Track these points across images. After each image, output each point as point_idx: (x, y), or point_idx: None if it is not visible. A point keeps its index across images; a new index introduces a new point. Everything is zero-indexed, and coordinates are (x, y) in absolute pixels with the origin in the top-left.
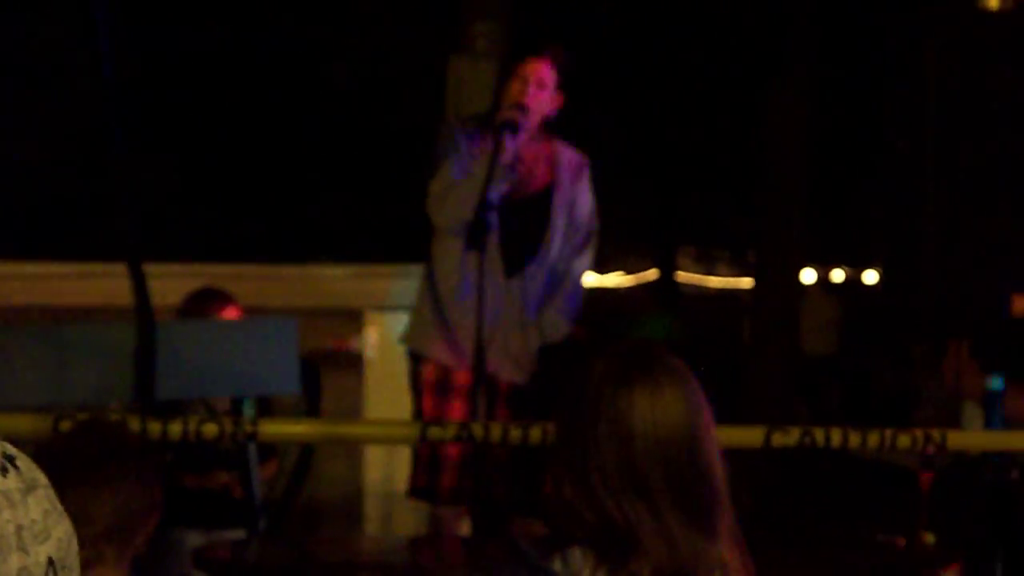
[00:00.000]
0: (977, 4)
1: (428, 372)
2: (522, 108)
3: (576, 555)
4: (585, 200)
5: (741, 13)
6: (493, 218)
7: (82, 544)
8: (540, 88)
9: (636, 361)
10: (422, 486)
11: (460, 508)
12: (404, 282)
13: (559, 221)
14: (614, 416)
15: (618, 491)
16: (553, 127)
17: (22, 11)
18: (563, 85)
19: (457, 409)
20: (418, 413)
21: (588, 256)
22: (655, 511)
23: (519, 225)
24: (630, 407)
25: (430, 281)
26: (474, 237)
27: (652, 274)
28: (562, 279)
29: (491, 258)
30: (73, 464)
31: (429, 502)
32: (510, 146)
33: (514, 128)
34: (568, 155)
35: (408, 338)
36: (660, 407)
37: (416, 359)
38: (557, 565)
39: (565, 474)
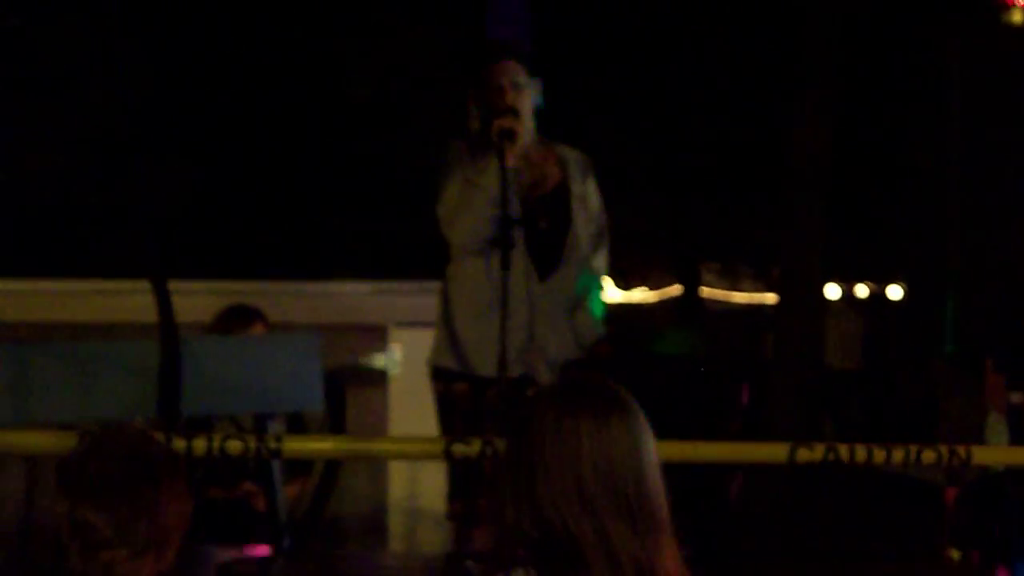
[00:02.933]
0: (1001, 19)
1: (461, 388)
2: (513, 113)
3: (519, 574)
4: (595, 196)
5: (765, 27)
6: (518, 230)
7: (118, 563)
8: (517, 88)
9: (583, 392)
10: (458, 511)
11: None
12: (427, 298)
13: (580, 216)
14: (562, 441)
15: (564, 510)
16: (545, 130)
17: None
18: (536, 72)
19: (489, 428)
20: (447, 434)
21: (604, 255)
22: (600, 529)
23: (543, 226)
24: (576, 434)
25: (448, 301)
26: (506, 253)
27: (676, 290)
28: (589, 278)
29: (519, 263)
30: (107, 484)
31: (467, 525)
32: (512, 153)
33: (511, 135)
34: (570, 153)
35: (434, 359)
36: (606, 436)
37: (445, 379)
38: None
39: (509, 495)
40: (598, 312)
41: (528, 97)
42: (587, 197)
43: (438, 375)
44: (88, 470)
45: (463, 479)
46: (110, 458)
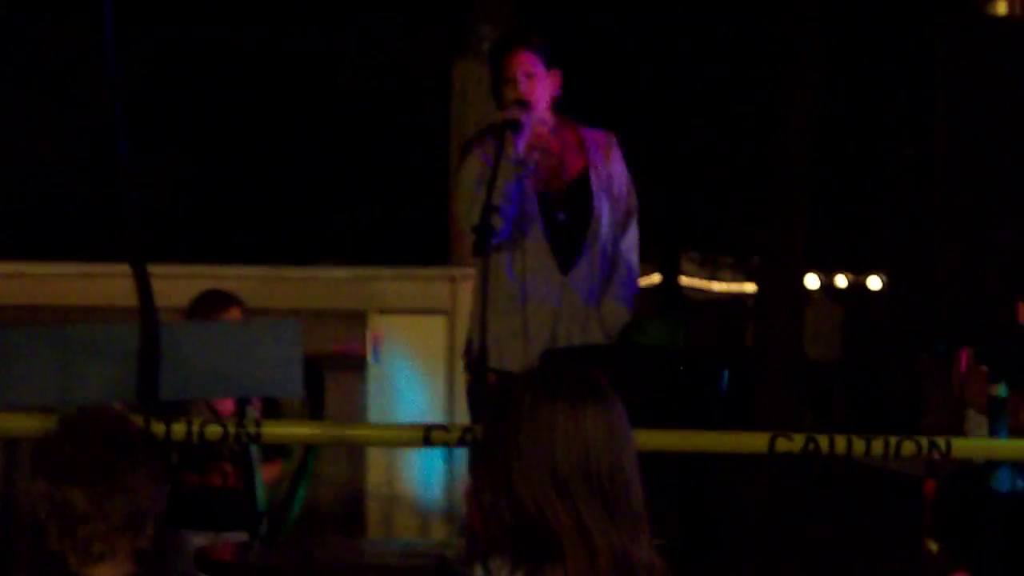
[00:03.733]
0: (986, 10)
1: (491, 380)
2: (521, 104)
3: (496, 561)
4: (620, 176)
5: (748, 18)
6: (507, 221)
7: (96, 539)
8: (530, 79)
9: (560, 378)
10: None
11: None
12: (407, 284)
13: (602, 204)
14: (536, 427)
15: (539, 496)
16: (564, 109)
17: (28, 12)
18: (555, 64)
19: None
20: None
21: (633, 235)
22: (576, 516)
23: (564, 217)
24: (551, 421)
25: (478, 294)
26: (479, 242)
27: (655, 279)
28: (614, 264)
29: (541, 257)
30: (85, 461)
31: None
32: (519, 144)
33: (516, 126)
34: (593, 135)
35: (469, 351)
36: (581, 424)
37: (477, 371)
38: (478, 572)
39: (486, 479)
40: (627, 297)
41: (544, 88)
42: (611, 178)
43: (469, 367)
44: (65, 450)
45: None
46: (86, 438)
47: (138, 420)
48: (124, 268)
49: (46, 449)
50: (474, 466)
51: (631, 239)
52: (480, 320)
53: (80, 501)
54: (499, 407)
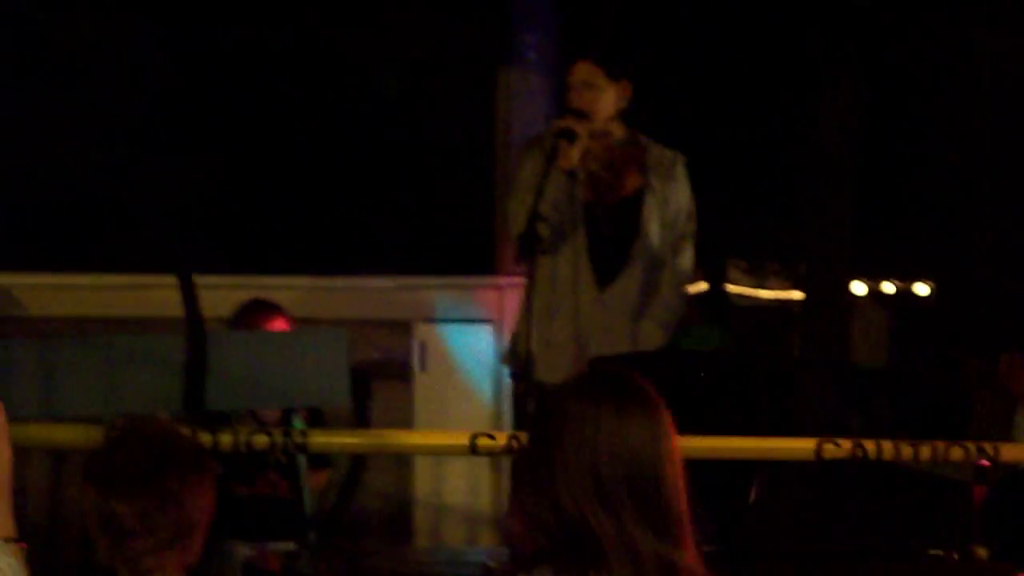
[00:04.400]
0: None
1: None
2: (578, 113)
3: (540, 571)
4: (678, 199)
5: (791, 21)
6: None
7: (146, 553)
8: (589, 89)
9: (606, 385)
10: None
11: None
12: (452, 293)
13: (651, 226)
14: (580, 432)
15: (583, 502)
16: (636, 123)
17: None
18: (622, 76)
19: None
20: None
21: (687, 260)
22: (619, 523)
23: (609, 232)
24: (596, 426)
25: (524, 301)
26: (523, 249)
27: (702, 286)
28: (657, 286)
29: (579, 268)
30: (133, 474)
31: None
32: (571, 154)
33: (570, 135)
34: (658, 153)
35: (510, 357)
36: (626, 430)
37: (519, 379)
38: None
39: (530, 485)
40: (666, 322)
41: (606, 100)
42: (667, 200)
43: (514, 376)
44: (114, 461)
45: None
46: (136, 449)
47: (184, 431)
48: (171, 279)
49: (96, 460)
50: (518, 472)
51: (683, 264)
52: (525, 328)
53: (128, 516)
54: (545, 413)
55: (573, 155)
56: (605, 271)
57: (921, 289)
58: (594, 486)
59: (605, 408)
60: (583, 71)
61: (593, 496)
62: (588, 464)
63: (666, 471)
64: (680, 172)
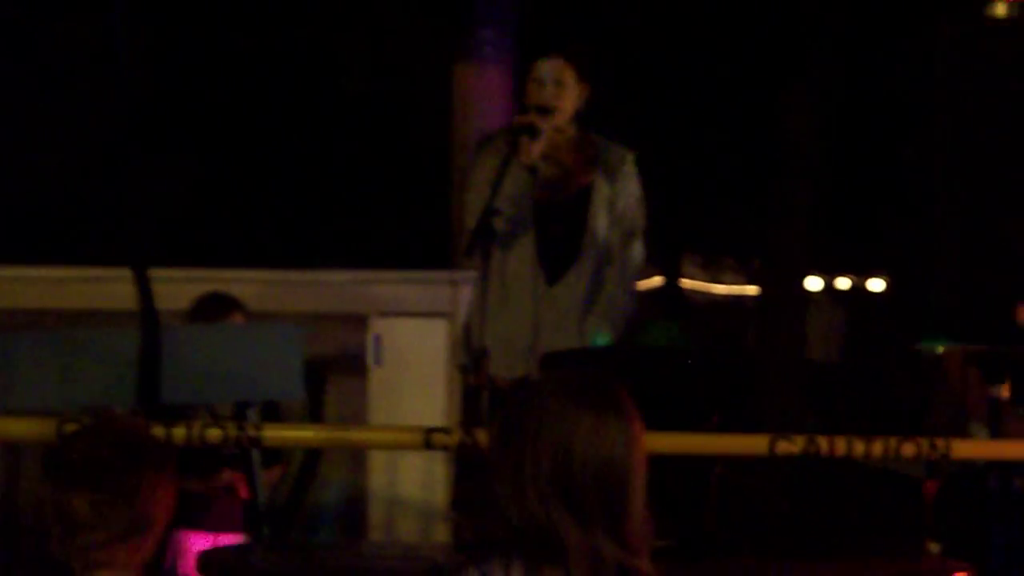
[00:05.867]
0: (985, 12)
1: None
2: (541, 110)
3: (495, 565)
4: (627, 195)
5: (753, 18)
6: (507, 224)
7: (96, 546)
8: (556, 85)
9: (585, 387)
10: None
11: None
12: (408, 288)
13: (599, 223)
14: (556, 431)
15: (550, 502)
16: (588, 122)
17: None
18: (588, 77)
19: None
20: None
21: (637, 256)
22: (583, 524)
23: (557, 230)
24: (573, 428)
25: (479, 294)
26: (475, 243)
27: (657, 281)
28: (605, 282)
29: (528, 265)
30: (90, 467)
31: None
32: (532, 149)
33: (532, 131)
34: (607, 150)
35: (469, 352)
36: (602, 436)
37: (470, 372)
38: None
39: (499, 476)
40: (613, 318)
41: (571, 98)
42: (616, 197)
43: (464, 369)
44: (74, 453)
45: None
46: (97, 443)
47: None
48: (126, 272)
49: (56, 451)
50: (488, 466)
51: (633, 260)
52: (478, 322)
53: (80, 508)
54: (521, 406)
55: (535, 150)
56: (554, 267)
57: (876, 285)
58: (562, 488)
59: (584, 411)
60: (552, 67)
61: (560, 497)
62: (560, 464)
63: (635, 482)
64: (629, 168)
